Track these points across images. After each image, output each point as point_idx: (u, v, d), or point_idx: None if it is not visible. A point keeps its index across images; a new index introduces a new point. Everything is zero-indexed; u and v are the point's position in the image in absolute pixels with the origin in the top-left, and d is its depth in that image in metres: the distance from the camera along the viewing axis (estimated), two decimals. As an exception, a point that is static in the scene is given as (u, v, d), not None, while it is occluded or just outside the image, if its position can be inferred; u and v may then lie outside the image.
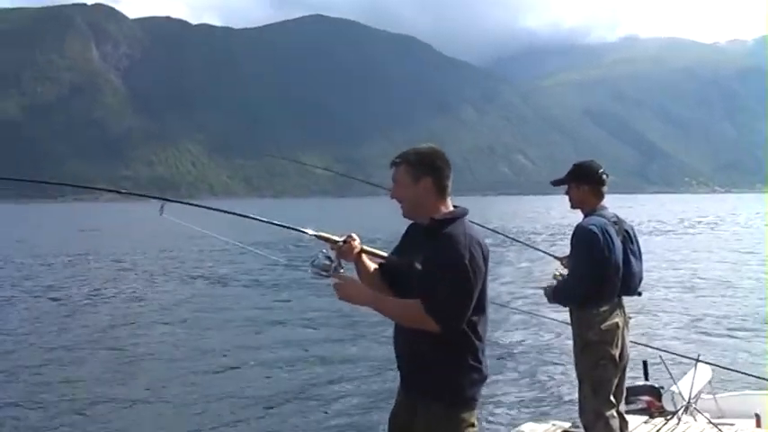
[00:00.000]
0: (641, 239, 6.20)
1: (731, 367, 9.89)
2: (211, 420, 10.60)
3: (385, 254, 4.05)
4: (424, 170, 3.82)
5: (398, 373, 4.00)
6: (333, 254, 3.88)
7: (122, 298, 23.60)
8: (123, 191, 5.44)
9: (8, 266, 33.94)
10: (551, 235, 50.68)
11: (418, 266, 3.72)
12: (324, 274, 3.81)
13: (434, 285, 3.60)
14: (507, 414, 10.44)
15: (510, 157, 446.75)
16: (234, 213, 4.25)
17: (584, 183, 5.81)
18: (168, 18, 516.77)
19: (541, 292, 6.06)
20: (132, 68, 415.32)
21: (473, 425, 3.81)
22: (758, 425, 7.62)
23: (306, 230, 4.09)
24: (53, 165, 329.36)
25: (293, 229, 4.15)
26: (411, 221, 4.00)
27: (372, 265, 4.05)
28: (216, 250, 38.76)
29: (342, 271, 3.85)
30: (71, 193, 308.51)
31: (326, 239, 3.97)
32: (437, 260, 3.65)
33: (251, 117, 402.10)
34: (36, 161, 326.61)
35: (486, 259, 3.75)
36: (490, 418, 10.20)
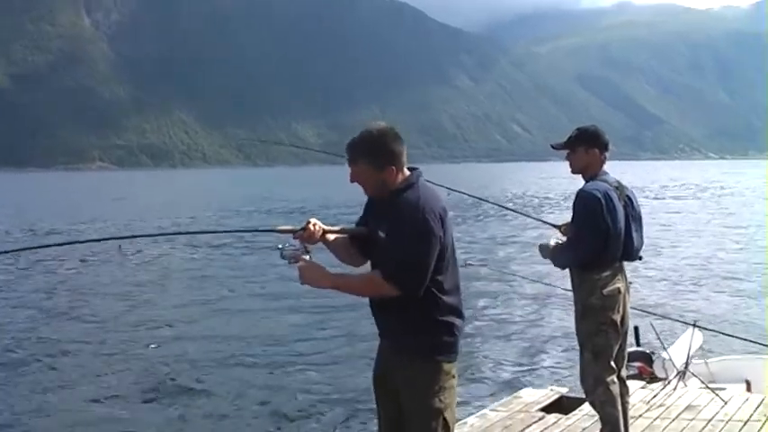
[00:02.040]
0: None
1: (723, 332, 9.95)
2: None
3: (347, 230, 4.16)
4: (386, 161, 3.92)
5: (377, 333, 4.15)
6: (296, 242, 4.00)
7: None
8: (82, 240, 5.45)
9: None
10: (550, 203, 50.70)
11: (382, 235, 3.87)
12: (292, 261, 3.96)
13: (391, 253, 3.78)
14: (506, 380, 10.49)
15: (504, 124, 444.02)
16: (185, 233, 4.30)
17: (593, 146, 5.79)
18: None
19: (542, 260, 6.09)
20: (123, 36, 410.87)
21: (453, 376, 3.95)
22: (749, 389, 7.74)
23: (266, 229, 4.27)
24: (46, 134, 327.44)
25: (255, 231, 4.24)
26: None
27: (341, 237, 4.15)
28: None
29: (307, 256, 3.97)
30: (63, 164, 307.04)
31: (286, 231, 4.05)
32: (395, 227, 3.80)
33: (244, 85, 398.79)
34: (30, 130, 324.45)
35: (443, 220, 3.87)
36: (489, 384, 10.27)
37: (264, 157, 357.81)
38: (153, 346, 13.48)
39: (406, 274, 3.76)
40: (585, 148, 5.80)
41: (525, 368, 11.26)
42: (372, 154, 3.91)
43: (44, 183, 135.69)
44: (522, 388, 8.95)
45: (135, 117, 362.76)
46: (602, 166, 5.82)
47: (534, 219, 7.62)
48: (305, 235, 4.00)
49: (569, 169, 5.92)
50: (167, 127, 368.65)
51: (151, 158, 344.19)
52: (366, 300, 4.06)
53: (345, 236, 4.16)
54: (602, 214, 5.49)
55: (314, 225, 4.02)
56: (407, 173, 3.97)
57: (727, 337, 9.64)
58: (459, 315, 3.96)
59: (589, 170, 5.81)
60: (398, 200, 3.86)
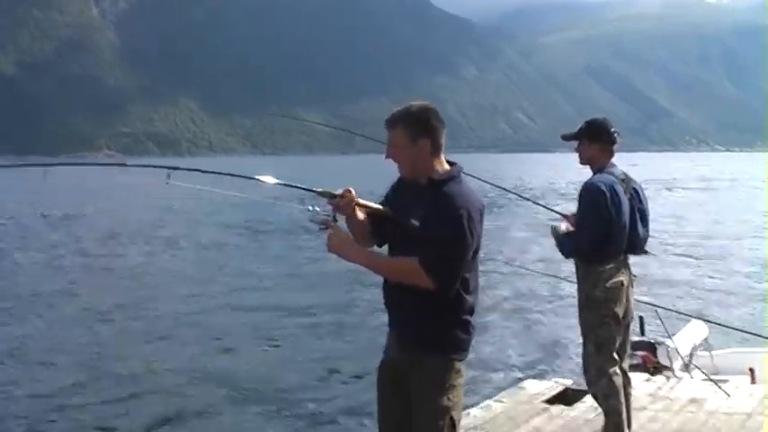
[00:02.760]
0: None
1: (726, 324, 9.94)
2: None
3: (380, 207, 4.05)
4: (422, 131, 3.86)
5: (388, 329, 4.08)
6: (329, 208, 3.91)
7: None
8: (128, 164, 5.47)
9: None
10: (557, 193, 50.60)
11: (415, 223, 3.78)
12: (321, 227, 3.86)
13: (433, 244, 3.68)
14: (509, 371, 10.52)
15: (510, 114, 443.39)
16: (243, 176, 4.27)
17: (595, 141, 5.81)
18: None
19: (547, 251, 6.11)
20: (130, 24, 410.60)
21: (462, 375, 3.92)
22: (753, 381, 7.74)
23: (304, 187, 4.10)
24: (52, 121, 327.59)
25: (294, 186, 4.12)
26: (399, 176, 4.04)
27: (362, 217, 4.04)
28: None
29: (337, 223, 3.89)
30: (70, 152, 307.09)
31: (324, 194, 3.96)
32: (436, 219, 3.72)
33: (250, 74, 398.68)
34: (36, 117, 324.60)
35: (482, 218, 3.84)
36: (493, 376, 10.29)
37: (272, 145, 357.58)
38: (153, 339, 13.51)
39: (444, 268, 3.71)
40: (590, 140, 5.82)
41: (530, 360, 11.28)
42: (410, 121, 3.86)
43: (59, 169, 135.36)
44: (526, 379, 8.97)
45: (142, 105, 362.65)
46: (609, 159, 5.82)
47: (543, 207, 7.59)
48: (341, 203, 3.92)
49: (578, 160, 5.93)
50: (174, 115, 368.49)
51: (158, 146, 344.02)
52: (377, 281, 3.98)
53: (367, 215, 4.06)
54: (606, 206, 5.50)
55: (351, 193, 3.95)
56: (447, 166, 3.93)
57: (731, 329, 9.61)
58: (474, 313, 3.93)
59: (596, 162, 5.82)
60: (441, 191, 3.80)
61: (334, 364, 11.59)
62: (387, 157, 3.96)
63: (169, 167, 4.02)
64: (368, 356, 10.01)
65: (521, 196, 7.95)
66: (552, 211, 6.91)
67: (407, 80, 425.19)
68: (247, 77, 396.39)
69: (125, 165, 4.57)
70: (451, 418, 3.87)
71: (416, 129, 3.86)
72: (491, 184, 6.79)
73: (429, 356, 3.86)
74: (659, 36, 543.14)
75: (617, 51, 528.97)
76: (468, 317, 3.89)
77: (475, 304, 3.92)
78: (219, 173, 4.31)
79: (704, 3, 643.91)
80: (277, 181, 4.11)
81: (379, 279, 3.96)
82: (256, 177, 4.17)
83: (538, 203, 7.90)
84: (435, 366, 3.86)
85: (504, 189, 7.48)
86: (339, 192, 3.94)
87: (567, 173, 73.56)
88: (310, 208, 3.91)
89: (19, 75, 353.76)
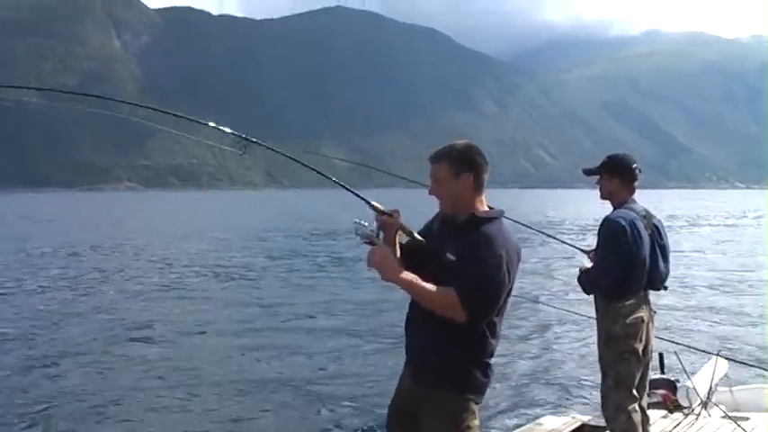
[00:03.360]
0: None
1: (748, 362, 9.85)
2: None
3: (418, 237, 4.07)
4: (465, 167, 3.90)
5: (403, 363, 4.10)
6: (374, 225, 3.96)
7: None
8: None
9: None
10: (577, 229, 50.49)
11: (451, 257, 3.78)
12: (365, 240, 3.89)
13: (471, 279, 3.68)
14: (527, 407, 10.43)
15: (530, 150, 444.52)
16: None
17: (615, 176, 5.82)
18: (190, 8, 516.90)
19: (567, 286, 6.11)
20: (151, 57, 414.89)
21: (477, 417, 3.89)
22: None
23: (360, 195, 4.17)
24: (73, 153, 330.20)
25: (351, 191, 4.22)
26: (439, 211, 4.07)
27: (398, 242, 4.09)
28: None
29: (381, 239, 3.93)
30: (87, 183, 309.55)
31: (377, 209, 4.02)
32: (474, 256, 3.73)
33: (270, 108, 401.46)
34: (56, 149, 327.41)
35: (518, 261, 3.86)
36: (511, 411, 10.23)
37: (291, 178, 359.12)
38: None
39: (479, 300, 3.70)
40: (611, 175, 5.83)
41: (548, 396, 11.19)
42: (454, 156, 3.90)
43: (73, 202, 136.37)
44: (544, 416, 8.92)
45: (162, 138, 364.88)
46: (630, 195, 5.82)
47: (565, 243, 7.59)
48: (388, 221, 3.99)
49: (599, 195, 5.93)
50: (194, 148, 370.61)
51: (179, 179, 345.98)
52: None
53: (407, 240, 4.09)
54: (627, 242, 5.50)
55: (398, 214, 4.01)
56: (487, 206, 3.96)
57: (754, 367, 9.53)
58: (493, 358, 3.93)
59: (616, 197, 5.82)
60: (482, 228, 3.81)
61: (351, 387, 11.59)
62: (430, 193, 4.00)
63: (245, 138, 4.46)
64: (386, 384, 9.96)
65: (542, 233, 7.93)
66: (574, 247, 6.90)
67: (427, 115, 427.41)
68: (267, 110, 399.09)
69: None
70: None
71: (460, 164, 3.90)
72: (519, 222, 6.80)
73: (445, 392, 3.85)
74: (678, 72, 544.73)
75: (637, 88, 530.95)
76: (488, 360, 3.89)
77: (495, 349, 3.93)
78: (291, 157, 4.46)
79: (723, 40, 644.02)
80: (336, 180, 4.23)
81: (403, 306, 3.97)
82: (319, 171, 4.33)
83: (558, 239, 7.89)
84: (450, 403, 3.84)
85: (527, 226, 7.47)
86: (389, 210, 4.01)
87: (587, 208, 73.44)
88: (357, 220, 3.94)
89: (41, 107, 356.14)
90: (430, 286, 3.76)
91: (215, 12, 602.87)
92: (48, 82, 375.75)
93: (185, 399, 11.11)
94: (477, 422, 3.89)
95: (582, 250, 6.21)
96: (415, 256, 4.00)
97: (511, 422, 9.68)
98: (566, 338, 15.22)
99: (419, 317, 3.91)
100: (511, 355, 13.54)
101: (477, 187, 3.92)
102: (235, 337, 15.70)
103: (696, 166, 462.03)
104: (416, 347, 4.00)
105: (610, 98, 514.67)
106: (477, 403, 3.88)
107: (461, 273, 3.71)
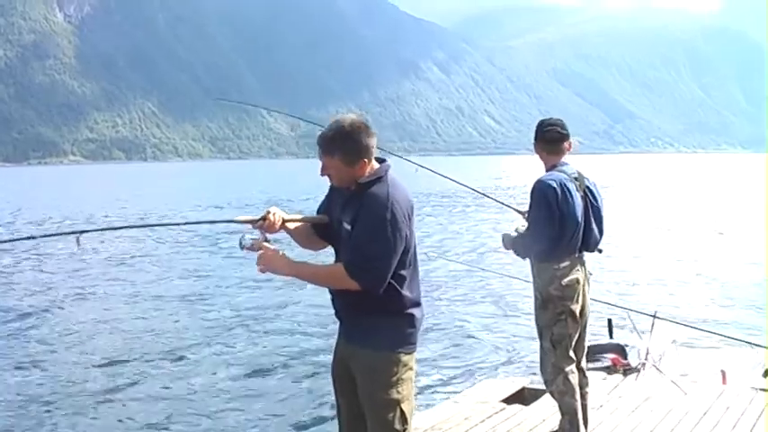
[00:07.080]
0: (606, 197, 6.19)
1: (698, 326, 9.90)
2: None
3: (307, 218, 4.16)
4: (359, 155, 3.88)
5: (338, 324, 4.16)
6: (257, 232, 3.98)
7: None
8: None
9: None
10: (522, 196, 50.79)
11: (347, 227, 3.85)
12: (252, 250, 3.93)
13: (355, 247, 3.77)
14: (466, 372, 10.43)
15: (476, 117, 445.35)
16: (155, 225, 4.31)
17: (536, 139, 5.87)
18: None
19: (505, 250, 6.05)
20: (95, 30, 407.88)
21: (411, 368, 3.96)
22: (724, 381, 7.73)
23: (224, 220, 4.30)
24: (16, 128, 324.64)
25: (213, 222, 4.41)
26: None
27: (294, 226, 4.14)
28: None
29: (266, 244, 3.95)
30: (35, 157, 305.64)
31: (245, 221, 4.03)
32: (358, 222, 3.79)
33: (216, 78, 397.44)
34: (1, 124, 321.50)
35: (410, 216, 3.88)
36: (450, 376, 10.22)
37: (237, 150, 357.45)
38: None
39: (368, 271, 3.77)
40: (535, 139, 5.89)
41: (486, 360, 11.21)
42: (346, 149, 3.87)
43: (17, 176, 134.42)
44: (482, 379, 8.93)
45: (107, 110, 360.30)
46: (556, 157, 5.81)
47: (501, 203, 7.54)
48: (265, 225, 3.99)
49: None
50: (139, 120, 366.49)
51: (123, 152, 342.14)
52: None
53: (306, 223, 4.15)
54: (557, 203, 5.51)
55: (273, 214, 4.00)
56: (376, 165, 3.95)
57: (704, 332, 9.61)
58: (419, 306, 3.97)
59: (545, 161, 5.86)
60: (366, 193, 3.84)
61: (292, 362, 11.45)
62: (322, 174, 4.00)
63: (78, 232, 4.03)
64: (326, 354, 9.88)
65: (476, 191, 7.86)
66: (510, 207, 6.86)
67: (374, 83, 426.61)
68: (213, 82, 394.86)
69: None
70: (402, 410, 3.91)
71: (353, 155, 3.88)
72: (447, 177, 6.77)
73: (371, 352, 3.90)
74: (624, 39, 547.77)
75: (581, 54, 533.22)
76: (410, 310, 3.93)
77: (417, 298, 3.97)
78: (130, 226, 4.39)
79: (667, 9, 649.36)
80: (199, 220, 4.19)
81: None
82: (175, 223, 4.34)
83: (494, 198, 7.83)
84: (378, 361, 3.90)
85: (459, 183, 7.41)
86: (260, 215, 4.01)
87: (533, 175, 73.83)
88: (241, 236, 3.98)
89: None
90: (319, 268, 3.97)
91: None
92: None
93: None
94: (412, 373, 3.97)
95: (518, 211, 6.18)
96: (329, 232, 4.09)
97: (450, 387, 9.70)
98: (502, 302, 15.25)
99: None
100: (449, 319, 13.55)
101: (369, 161, 3.93)
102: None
103: (642, 132, 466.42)
104: (340, 310, 4.07)
105: (554, 65, 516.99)
106: (408, 353, 3.93)
107: (348, 244, 3.81)
